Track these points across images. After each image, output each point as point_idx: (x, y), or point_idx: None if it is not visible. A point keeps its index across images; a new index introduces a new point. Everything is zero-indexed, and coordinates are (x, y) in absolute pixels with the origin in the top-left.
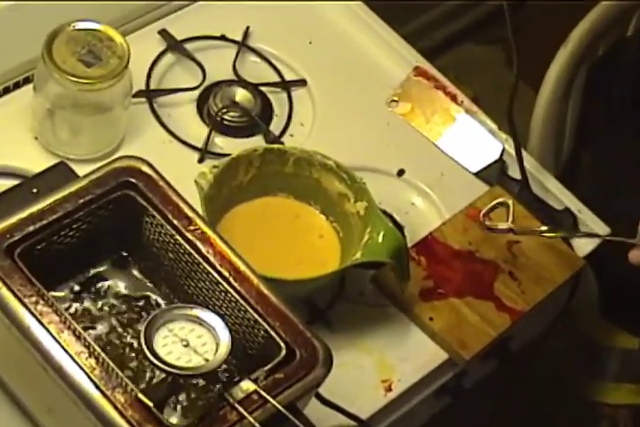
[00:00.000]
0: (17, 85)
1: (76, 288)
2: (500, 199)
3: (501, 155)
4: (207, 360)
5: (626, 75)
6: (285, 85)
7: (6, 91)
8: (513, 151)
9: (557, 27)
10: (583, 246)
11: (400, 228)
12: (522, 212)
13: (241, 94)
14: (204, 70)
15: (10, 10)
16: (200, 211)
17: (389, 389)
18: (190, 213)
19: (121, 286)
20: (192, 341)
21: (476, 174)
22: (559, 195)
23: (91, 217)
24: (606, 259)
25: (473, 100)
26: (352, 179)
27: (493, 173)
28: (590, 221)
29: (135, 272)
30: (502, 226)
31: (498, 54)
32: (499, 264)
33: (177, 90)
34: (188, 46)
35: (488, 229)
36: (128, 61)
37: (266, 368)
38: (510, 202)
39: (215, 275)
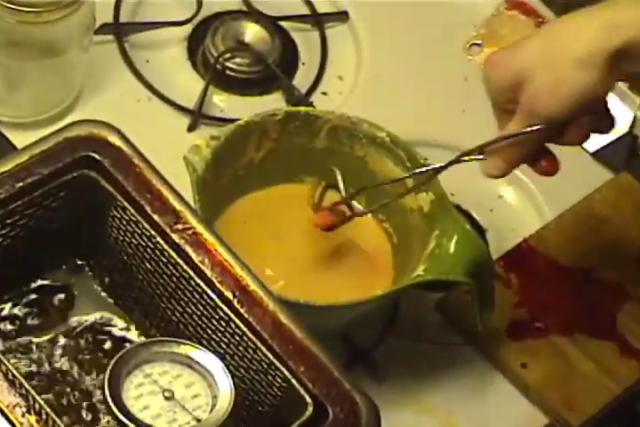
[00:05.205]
0: None
1: (11, 310)
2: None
3: (632, 127)
4: (199, 420)
5: None
6: (317, 20)
7: None
8: None
9: None
10: None
11: (481, 232)
12: None
13: (252, 32)
14: None
15: None
16: (192, 202)
17: None
18: (178, 206)
19: (75, 309)
20: (178, 391)
21: (595, 155)
22: None
23: (33, 208)
24: None
25: None
26: (413, 159)
27: (620, 154)
28: None
29: (96, 289)
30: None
31: None
32: (625, 288)
33: (159, 24)
34: None
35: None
36: None
37: None
38: (337, 171)
39: (213, 296)
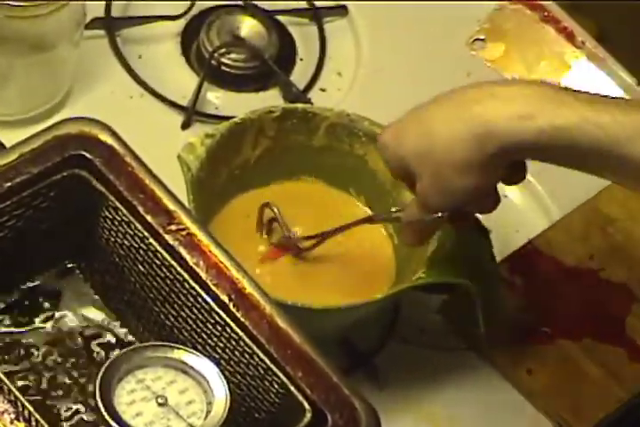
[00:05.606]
0: None
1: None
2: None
3: None
4: None
5: None
6: (316, 14)
7: None
8: None
9: None
10: None
11: (485, 233)
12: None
13: (248, 26)
14: None
15: None
16: (186, 202)
17: None
18: (171, 206)
19: (66, 313)
20: (172, 397)
21: None
22: None
23: (22, 209)
24: None
25: (598, 39)
26: None
27: None
28: None
29: (87, 292)
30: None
31: None
32: (633, 290)
33: (151, 18)
34: None
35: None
36: None
37: None
38: (275, 209)
39: (208, 299)
